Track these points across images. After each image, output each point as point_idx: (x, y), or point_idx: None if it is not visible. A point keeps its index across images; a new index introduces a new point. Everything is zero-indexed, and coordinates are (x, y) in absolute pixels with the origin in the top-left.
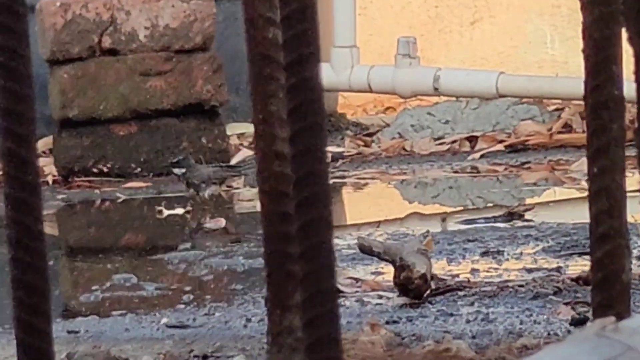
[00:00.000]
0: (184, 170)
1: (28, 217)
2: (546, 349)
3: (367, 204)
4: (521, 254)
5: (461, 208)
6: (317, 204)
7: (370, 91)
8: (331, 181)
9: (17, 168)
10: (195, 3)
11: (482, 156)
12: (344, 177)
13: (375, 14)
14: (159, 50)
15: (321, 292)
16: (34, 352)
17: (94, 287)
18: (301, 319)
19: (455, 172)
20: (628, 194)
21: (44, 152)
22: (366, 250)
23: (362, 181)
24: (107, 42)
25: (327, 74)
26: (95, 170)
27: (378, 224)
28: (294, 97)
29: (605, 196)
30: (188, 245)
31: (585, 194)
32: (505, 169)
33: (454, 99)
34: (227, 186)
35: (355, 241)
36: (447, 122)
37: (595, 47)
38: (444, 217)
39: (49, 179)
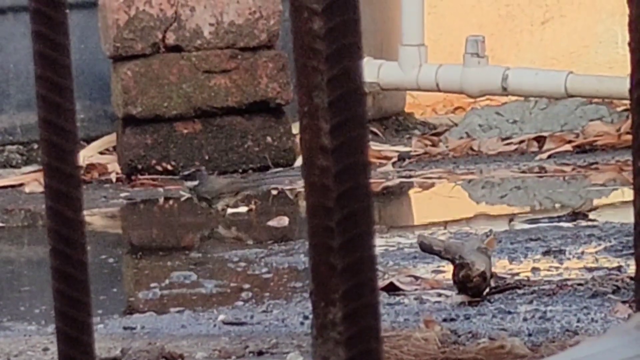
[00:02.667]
0: (196, 182)
1: (68, 209)
2: (587, 341)
3: (434, 204)
4: (583, 253)
5: (528, 208)
6: (358, 197)
7: (438, 90)
8: (398, 180)
9: (58, 159)
10: (261, 0)
11: (549, 156)
12: (410, 177)
13: (445, 12)
14: (223, 47)
15: (361, 284)
16: (74, 343)
17: (152, 285)
18: (341, 311)
19: (523, 172)
20: None
21: (107, 149)
22: (427, 249)
23: (429, 181)
24: (171, 38)
25: (395, 73)
26: (158, 168)
27: (445, 224)
28: (335, 89)
29: None
30: (249, 243)
31: None
32: (573, 169)
33: (522, 98)
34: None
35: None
36: (515, 122)
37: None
38: (511, 218)
39: (113, 176)
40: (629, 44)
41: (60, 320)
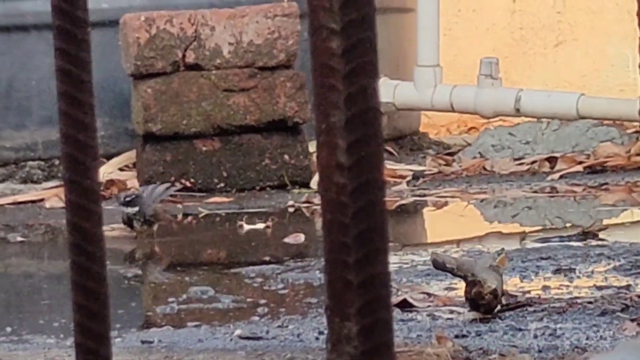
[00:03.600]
0: (137, 208)
1: (88, 223)
2: (596, 357)
3: (447, 222)
4: (592, 272)
5: (539, 227)
6: (373, 214)
7: (453, 111)
8: (412, 199)
9: (78, 174)
10: (280, 20)
11: (561, 177)
12: (424, 195)
13: (459, 34)
14: (242, 66)
15: (376, 300)
16: (93, 356)
17: (170, 299)
18: (356, 326)
19: (535, 192)
20: None
21: (127, 166)
22: (440, 266)
23: (443, 199)
24: (191, 57)
25: (410, 93)
26: (177, 185)
27: (458, 242)
28: (351, 107)
29: None
30: (266, 259)
31: None
32: (584, 189)
33: (535, 119)
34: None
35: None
36: (527, 142)
37: None
38: (523, 237)
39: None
40: None
41: (80, 333)
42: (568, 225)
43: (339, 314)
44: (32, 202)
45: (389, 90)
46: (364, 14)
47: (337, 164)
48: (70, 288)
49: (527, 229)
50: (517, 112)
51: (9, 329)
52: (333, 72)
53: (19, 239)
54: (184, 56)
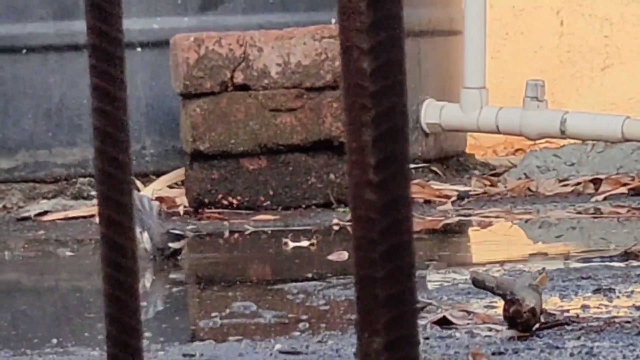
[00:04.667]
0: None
1: (121, 237)
2: None
3: (491, 242)
4: (632, 292)
5: (582, 248)
6: (400, 230)
7: (498, 132)
8: (457, 218)
9: (112, 189)
10: (327, 41)
11: (605, 198)
12: (469, 215)
13: (507, 57)
14: (290, 87)
15: (402, 315)
16: None
17: (213, 314)
18: (383, 340)
19: (579, 213)
20: None
21: (175, 183)
22: (479, 285)
23: (487, 219)
24: (239, 77)
25: (456, 114)
26: (225, 202)
27: (501, 262)
28: (380, 126)
29: None
30: (309, 276)
31: None
32: (628, 211)
33: (580, 142)
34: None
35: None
36: (572, 164)
37: None
38: (566, 257)
39: (180, 209)
40: None
41: (112, 345)
42: (611, 246)
43: (368, 329)
44: (83, 217)
45: (436, 112)
46: (392, 35)
47: (368, 182)
48: (103, 300)
49: (571, 250)
50: (562, 134)
51: (54, 341)
52: (364, 91)
53: (68, 253)
54: (232, 76)
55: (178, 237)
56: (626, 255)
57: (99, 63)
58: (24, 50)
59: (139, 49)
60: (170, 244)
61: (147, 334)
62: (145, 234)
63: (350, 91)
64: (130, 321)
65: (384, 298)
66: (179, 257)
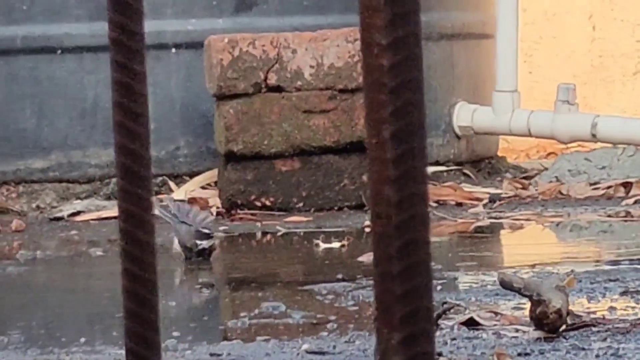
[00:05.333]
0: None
1: (140, 231)
2: None
3: (522, 245)
4: None
5: (613, 251)
6: (416, 226)
7: (530, 135)
8: (488, 221)
9: (132, 184)
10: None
11: (635, 202)
12: (500, 218)
13: (540, 61)
14: (323, 88)
15: (418, 310)
16: None
17: (242, 314)
18: (399, 335)
19: (609, 216)
20: None
21: (209, 184)
22: (507, 286)
23: (518, 222)
24: (272, 79)
25: (488, 117)
26: (257, 203)
27: (532, 265)
28: (397, 121)
29: None
30: (339, 277)
31: None
32: None
33: (611, 145)
34: None
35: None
36: (603, 167)
37: None
38: (596, 259)
39: (213, 210)
40: None
41: (130, 339)
42: None
43: (386, 324)
44: (115, 218)
45: (468, 115)
46: (410, 31)
47: (387, 178)
48: (122, 295)
49: (601, 253)
50: (593, 138)
51: (82, 340)
52: (383, 87)
53: (100, 253)
54: (265, 78)
55: (207, 236)
56: None
57: (120, 58)
58: (59, 51)
59: (173, 50)
60: (199, 242)
61: (175, 333)
62: (176, 240)
63: (370, 87)
64: (149, 316)
65: (400, 293)
66: (209, 257)
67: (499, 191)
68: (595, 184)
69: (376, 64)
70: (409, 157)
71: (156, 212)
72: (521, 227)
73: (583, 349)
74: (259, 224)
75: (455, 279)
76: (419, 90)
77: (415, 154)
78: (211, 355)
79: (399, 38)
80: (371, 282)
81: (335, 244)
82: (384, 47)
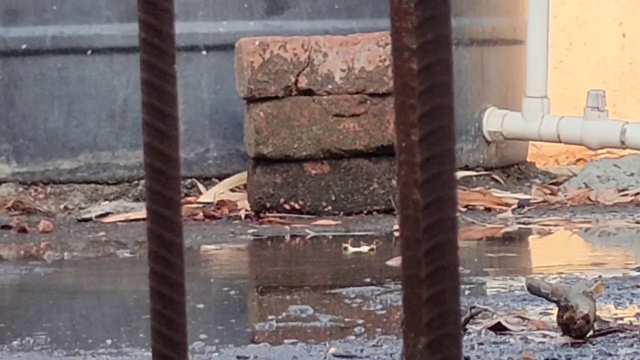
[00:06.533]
0: None
1: (168, 232)
2: None
3: (550, 250)
4: None
5: None
6: (444, 229)
7: (559, 141)
8: (517, 226)
9: (160, 184)
10: (390, 47)
11: None
12: (529, 223)
13: (570, 67)
14: (353, 92)
15: (444, 314)
16: None
17: (270, 317)
18: (426, 339)
19: (637, 222)
20: None
21: (238, 187)
22: (534, 291)
23: (547, 228)
24: (303, 82)
25: (518, 123)
26: (286, 207)
27: (560, 270)
28: (426, 125)
29: None
30: (367, 280)
31: None
32: None
33: (639, 152)
34: None
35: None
36: (632, 174)
37: None
38: (624, 266)
39: (242, 213)
40: None
41: (157, 340)
42: None
43: (413, 328)
44: (143, 219)
45: (497, 120)
46: (440, 35)
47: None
48: (149, 296)
49: (629, 259)
50: (623, 144)
51: (109, 341)
52: (412, 91)
53: (128, 255)
54: (296, 81)
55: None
56: None
57: (150, 58)
58: (89, 52)
59: (204, 52)
60: None
61: (202, 336)
62: None
63: (400, 91)
64: (176, 317)
65: (427, 297)
66: None
67: (527, 197)
68: (623, 190)
69: (406, 68)
70: (438, 161)
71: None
72: (549, 232)
73: (610, 354)
74: (287, 227)
75: (483, 283)
76: (448, 95)
77: (443, 158)
78: (238, 357)
79: (429, 42)
80: (399, 286)
81: (364, 248)
82: (413, 50)
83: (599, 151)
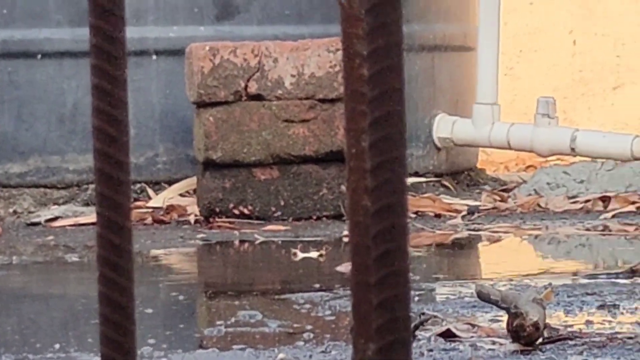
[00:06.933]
0: None
1: (118, 237)
2: None
3: (500, 257)
4: (636, 308)
5: (590, 265)
6: (394, 236)
7: (509, 148)
8: (466, 233)
9: (110, 189)
10: (341, 54)
11: (614, 216)
12: (479, 230)
13: (521, 74)
14: (303, 98)
15: (395, 320)
16: None
17: (218, 322)
18: (375, 345)
19: (587, 230)
20: None
21: (187, 192)
22: (484, 298)
23: (496, 234)
24: (253, 87)
25: (468, 129)
26: (236, 212)
27: (509, 277)
28: (377, 132)
29: None
30: (316, 286)
31: None
32: (636, 229)
33: (590, 159)
34: None
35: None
36: (581, 181)
37: None
38: (574, 273)
39: (191, 218)
40: None
41: (105, 345)
42: (618, 263)
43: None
44: (93, 224)
45: (448, 126)
46: (391, 41)
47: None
48: (98, 301)
49: (579, 266)
50: (573, 152)
51: (57, 346)
52: (362, 97)
53: (76, 259)
54: (246, 86)
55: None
56: (632, 273)
57: (100, 63)
58: (39, 56)
59: (154, 57)
60: None
61: (150, 341)
62: None
63: (350, 97)
64: (125, 322)
65: (377, 303)
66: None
67: (477, 203)
68: (573, 197)
69: (357, 74)
70: (388, 168)
71: None
72: (499, 239)
73: None
74: (237, 232)
75: (433, 290)
76: (399, 101)
77: (394, 165)
78: None
79: (380, 48)
80: (349, 292)
81: (313, 254)
82: (364, 57)
83: (549, 158)
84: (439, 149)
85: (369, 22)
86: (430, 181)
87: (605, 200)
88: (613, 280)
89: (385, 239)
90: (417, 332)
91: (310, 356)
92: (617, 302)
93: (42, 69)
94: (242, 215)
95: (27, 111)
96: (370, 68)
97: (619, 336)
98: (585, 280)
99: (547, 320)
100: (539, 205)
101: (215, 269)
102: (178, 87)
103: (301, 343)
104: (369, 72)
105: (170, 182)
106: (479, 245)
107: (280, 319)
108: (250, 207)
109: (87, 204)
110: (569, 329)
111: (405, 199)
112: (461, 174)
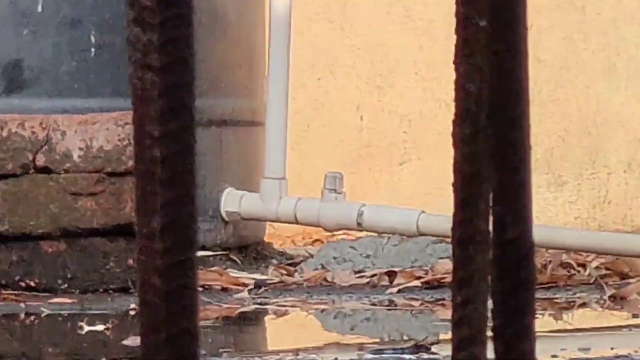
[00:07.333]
0: None
1: None
2: None
3: (287, 331)
4: None
5: (376, 339)
6: (185, 317)
7: (297, 222)
8: (253, 307)
9: None
10: (130, 128)
11: (399, 291)
12: (265, 304)
13: (308, 149)
14: (91, 171)
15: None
16: None
17: None
18: None
19: (373, 304)
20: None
21: None
22: None
23: (283, 308)
24: (41, 160)
25: (256, 204)
26: (22, 284)
27: (296, 351)
28: (169, 213)
29: (466, 324)
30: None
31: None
32: (421, 304)
33: (376, 234)
34: None
35: None
36: (368, 256)
37: (463, 183)
38: (360, 348)
39: None
40: (453, 185)
41: None
42: (405, 338)
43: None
44: None
45: (235, 200)
46: (184, 124)
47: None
48: None
49: (365, 341)
50: (359, 227)
51: None
52: (154, 178)
53: None
54: (34, 159)
55: None
56: (417, 348)
57: None
58: None
59: None
60: None
61: None
62: None
63: (142, 178)
64: None
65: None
66: None
67: (264, 277)
68: (360, 272)
69: (148, 155)
70: (179, 249)
71: None
72: (286, 313)
73: None
74: (22, 304)
75: None
76: (191, 182)
77: (185, 245)
78: None
79: (172, 130)
80: None
81: (100, 327)
82: (156, 138)
83: (336, 232)
84: (226, 223)
85: (163, 104)
86: (218, 254)
87: (391, 275)
88: (399, 355)
89: (176, 319)
90: None
91: None
92: None
93: None
94: (29, 288)
95: None
96: (163, 150)
97: None
98: (371, 355)
99: None
100: (325, 279)
101: (0, 342)
102: None
103: None
104: (163, 154)
105: None
106: (266, 318)
107: None
108: (37, 280)
109: None
110: None
111: (195, 279)
112: (249, 248)
